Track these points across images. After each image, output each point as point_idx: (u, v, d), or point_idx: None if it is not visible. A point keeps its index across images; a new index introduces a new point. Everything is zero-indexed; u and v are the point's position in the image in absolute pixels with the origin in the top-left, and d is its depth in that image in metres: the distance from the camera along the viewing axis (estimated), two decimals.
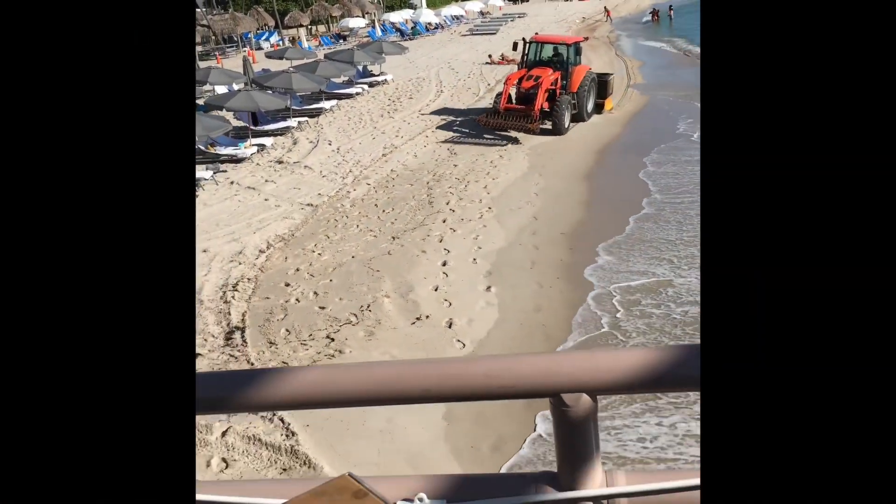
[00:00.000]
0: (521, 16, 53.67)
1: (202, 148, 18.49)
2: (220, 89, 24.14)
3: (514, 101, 20.73)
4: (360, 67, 29.09)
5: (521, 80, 20.92)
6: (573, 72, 21.25)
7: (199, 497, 1.07)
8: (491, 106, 21.43)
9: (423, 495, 1.12)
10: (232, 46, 43.31)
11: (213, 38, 43.33)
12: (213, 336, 10.09)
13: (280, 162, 18.96)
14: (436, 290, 11.25)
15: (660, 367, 1.07)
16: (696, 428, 7.87)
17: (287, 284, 11.68)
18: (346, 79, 27.74)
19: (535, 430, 7.84)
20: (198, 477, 1.16)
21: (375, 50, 30.25)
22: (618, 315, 10.46)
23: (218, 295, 11.36)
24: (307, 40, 44.18)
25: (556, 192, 15.90)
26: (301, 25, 48.21)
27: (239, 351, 9.69)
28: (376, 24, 48.73)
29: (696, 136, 19.38)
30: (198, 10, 40.06)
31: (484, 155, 18.88)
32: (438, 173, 17.48)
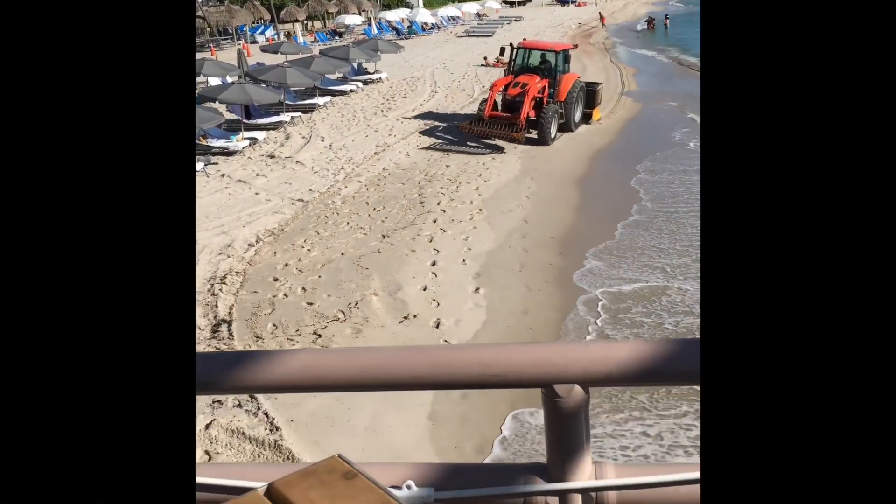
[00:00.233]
0: (517, 19, 53.76)
1: None
2: (214, 81, 24.03)
3: (499, 109, 20.11)
4: (355, 65, 29.03)
5: (507, 86, 20.22)
6: (561, 80, 20.67)
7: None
8: (476, 112, 20.70)
9: (411, 482, 1.11)
10: (227, 39, 43.14)
11: (209, 29, 43.17)
12: (200, 328, 10.04)
13: (272, 156, 18.90)
14: (424, 289, 11.24)
15: (654, 361, 1.07)
16: (682, 438, 7.90)
17: (275, 279, 11.64)
18: (341, 75, 27.69)
19: (501, 433, 7.88)
20: None
21: (371, 48, 30.20)
22: (604, 320, 10.48)
23: (205, 287, 11.30)
24: (303, 35, 44.08)
25: (548, 195, 15.92)
26: (297, 20, 48.11)
27: (225, 344, 9.65)
28: (373, 21, 48.69)
29: (693, 144, 19.47)
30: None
31: (476, 157, 18.87)
32: (430, 173, 17.47)
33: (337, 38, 44.84)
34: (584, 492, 1.12)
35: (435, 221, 14.18)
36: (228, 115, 20.83)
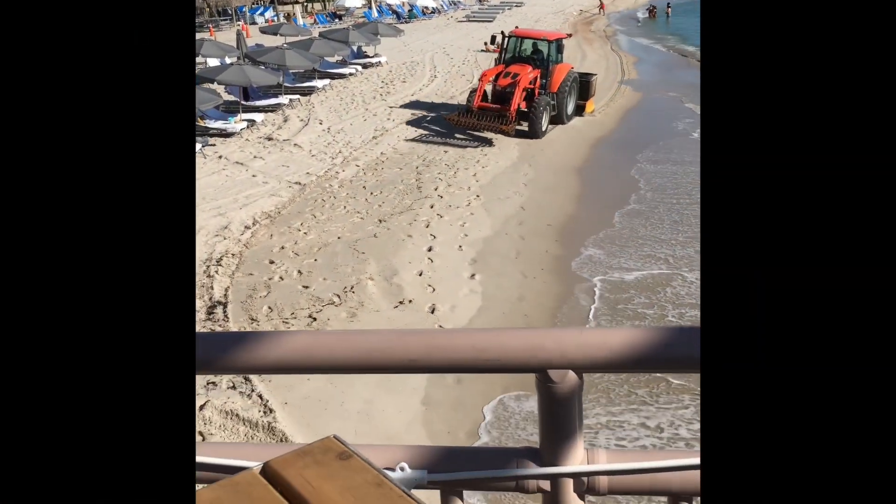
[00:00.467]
0: (518, 4, 53.43)
1: None
2: (212, 62, 23.89)
3: (489, 100, 19.19)
4: (355, 48, 28.87)
5: (497, 76, 19.30)
6: (554, 70, 19.81)
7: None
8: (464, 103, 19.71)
9: (405, 464, 1.12)
10: (226, 19, 42.86)
11: (207, 9, 42.86)
12: (196, 310, 10.04)
13: (270, 139, 18.83)
14: (420, 274, 11.25)
15: (648, 348, 1.08)
16: (683, 431, 7.95)
17: (271, 262, 11.63)
18: (340, 58, 27.53)
19: (484, 419, 7.93)
20: None
21: (371, 31, 30.03)
22: (597, 308, 10.51)
23: (201, 269, 11.30)
24: (302, 17, 43.80)
25: (545, 183, 15.91)
26: (297, 2, 47.77)
27: (220, 326, 9.66)
28: (373, 4, 48.38)
29: (696, 134, 19.40)
30: None
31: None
32: (428, 159, 17.43)
33: (337, 20, 44.56)
34: (576, 476, 1.14)
35: (432, 207, 14.16)
36: (226, 97, 20.75)
